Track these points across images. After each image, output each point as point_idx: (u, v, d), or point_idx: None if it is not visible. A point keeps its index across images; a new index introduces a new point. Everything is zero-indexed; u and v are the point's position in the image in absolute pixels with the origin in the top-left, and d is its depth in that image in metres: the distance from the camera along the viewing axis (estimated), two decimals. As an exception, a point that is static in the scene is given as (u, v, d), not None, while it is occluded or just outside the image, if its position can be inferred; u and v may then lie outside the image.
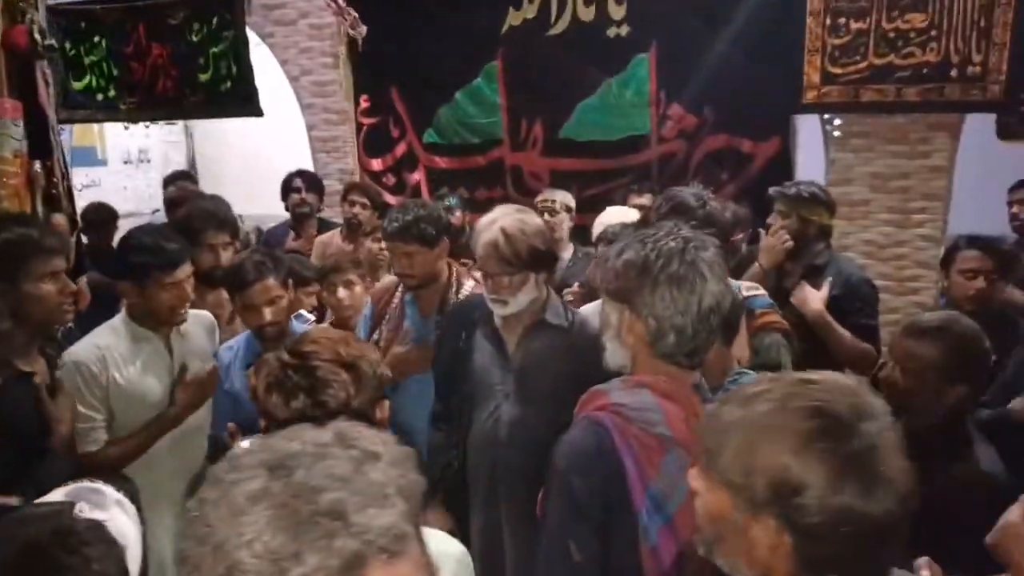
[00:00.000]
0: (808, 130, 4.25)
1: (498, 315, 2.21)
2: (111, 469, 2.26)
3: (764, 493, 0.93)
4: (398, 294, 2.84)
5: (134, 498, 1.22)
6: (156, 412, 2.33)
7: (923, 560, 1.39)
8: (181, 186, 5.13)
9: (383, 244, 3.44)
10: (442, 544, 1.36)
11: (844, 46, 3.84)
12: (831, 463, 0.90)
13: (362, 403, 1.30)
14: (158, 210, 6.29)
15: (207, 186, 6.58)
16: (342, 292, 3.02)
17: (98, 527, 1.11)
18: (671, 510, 1.34)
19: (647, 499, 1.33)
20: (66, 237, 2.88)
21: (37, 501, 1.18)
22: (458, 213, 4.00)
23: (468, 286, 2.63)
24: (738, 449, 0.95)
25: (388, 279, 2.99)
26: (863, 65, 3.80)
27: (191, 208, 3.08)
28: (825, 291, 2.87)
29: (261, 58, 5.15)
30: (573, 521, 1.34)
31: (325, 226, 4.58)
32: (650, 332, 1.40)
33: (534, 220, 2.21)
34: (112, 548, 1.10)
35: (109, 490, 1.20)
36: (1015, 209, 3.96)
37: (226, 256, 2.88)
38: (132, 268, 2.32)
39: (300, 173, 4.59)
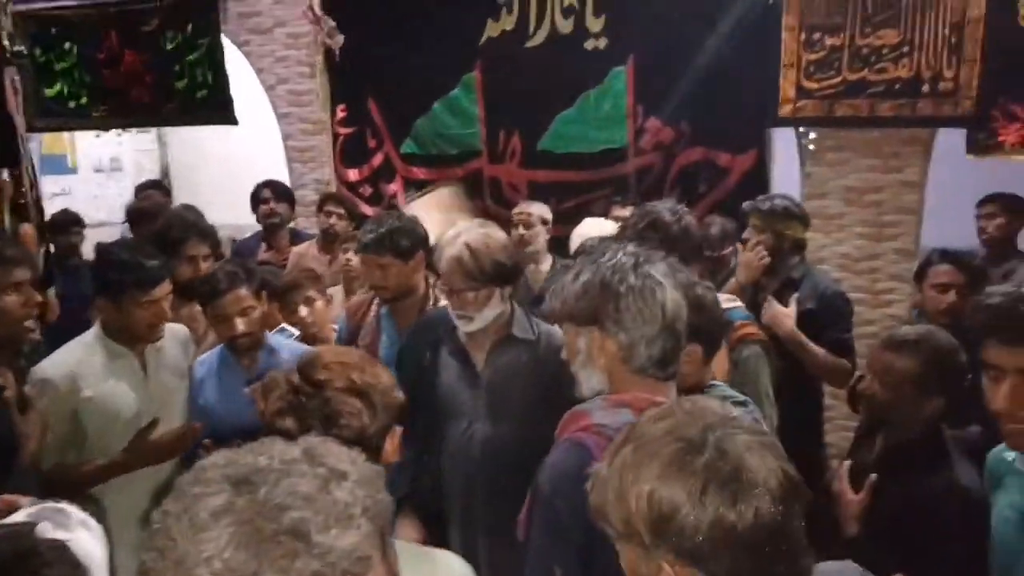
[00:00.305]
0: (784, 144, 4.29)
1: (464, 331, 2.18)
2: (70, 489, 2.21)
3: (648, 533, 0.92)
4: (374, 308, 2.81)
5: (100, 519, 1.19)
6: (129, 428, 2.28)
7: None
8: (147, 195, 5.05)
9: (351, 256, 3.43)
10: (453, 563, 1.34)
11: (819, 61, 3.88)
12: (689, 479, 0.91)
13: (377, 431, 1.30)
14: (130, 219, 6.18)
15: (181, 195, 6.51)
16: (303, 310, 2.99)
17: (61, 548, 1.08)
18: None
19: None
20: (31, 247, 2.80)
21: None
22: None
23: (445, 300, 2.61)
24: (613, 499, 0.96)
25: (364, 293, 2.96)
26: (837, 80, 3.85)
27: (170, 218, 3.04)
28: (793, 307, 2.88)
29: (237, 66, 5.10)
30: (557, 545, 1.32)
31: (297, 237, 4.53)
32: (622, 348, 1.42)
33: (498, 234, 2.20)
34: (76, 570, 1.07)
35: (74, 510, 1.17)
36: (983, 223, 4.03)
37: (205, 267, 2.83)
38: (108, 285, 2.28)
39: (268, 183, 4.53)
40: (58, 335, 2.53)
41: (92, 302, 3.19)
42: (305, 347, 2.73)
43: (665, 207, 2.64)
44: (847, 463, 2.03)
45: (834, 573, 1.08)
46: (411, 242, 2.57)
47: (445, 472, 2.24)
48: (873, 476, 1.89)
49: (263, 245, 4.50)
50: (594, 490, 1.00)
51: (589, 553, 1.30)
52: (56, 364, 2.27)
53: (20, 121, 3.08)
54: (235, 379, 2.47)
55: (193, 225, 2.94)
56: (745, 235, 3.04)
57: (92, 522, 1.17)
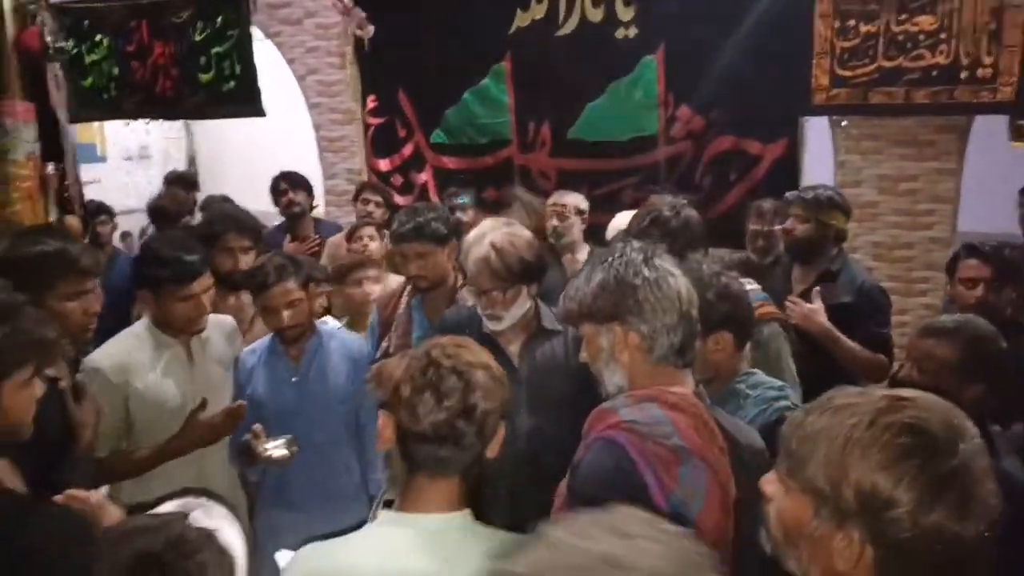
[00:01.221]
0: (816, 132, 4.26)
1: (493, 330, 2.20)
2: (117, 478, 2.28)
3: (852, 504, 0.93)
4: (404, 299, 2.83)
5: (239, 519, 1.23)
6: (174, 419, 2.32)
7: None
8: (168, 192, 5.03)
9: (367, 243, 3.49)
10: None
11: (853, 48, 3.85)
12: (923, 481, 0.91)
13: (497, 416, 1.33)
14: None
15: (208, 184, 6.57)
16: (370, 286, 3.07)
17: (210, 536, 1.12)
18: (692, 515, 1.36)
19: (668, 509, 1.34)
20: (76, 239, 2.84)
21: (149, 512, 1.20)
22: (470, 212, 4.00)
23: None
24: (827, 459, 0.95)
25: (392, 284, 2.98)
26: (872, 67, 3.81)
27: (212, 212, 3.08)
28: (819, 303, 2.86)
29: (267, 55, 5.12)
30: None
31: (321, 226, 4.54)
32: (645, 338, 1.45)
33: (522, 232, 2.22)
34: (224, 557, 1.11)
35: (216, 505, 1.21)
36: (1024, 211, 3.99)
37: (246, 260, 2.87)
38: (148, 279, 2.33)
39: (284, 175, 4.49)
40: (102, 328, 2.56)
41: (127, 292, 3.26)
42: (355, 336, 2.76)
43: (665, 203, 2.67)
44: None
45: None
46: (447, 229, 2.60)
47: (487, 467, 2.26)
48: None
49: (287, 236, 4.51)
50: (795, 438, 1.00)
51: None
52: (107, 355, 2.32)
53: (63, 115, 3.12)
54: (282, 368, 2.52)
55: (233, 218, 2.98)
56: (787, 224, 3.02)
57: (232, 517, 1.21)
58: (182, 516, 1.13)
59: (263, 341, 2.58)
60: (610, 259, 1.52)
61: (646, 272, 1.47)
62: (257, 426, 2.33)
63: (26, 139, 2.95)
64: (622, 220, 3.36)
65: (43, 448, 1.97)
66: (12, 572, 1.34)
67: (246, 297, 2.93)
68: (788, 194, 3.08)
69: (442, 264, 2.61)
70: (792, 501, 1.01)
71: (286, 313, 2.42)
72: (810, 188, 3.08)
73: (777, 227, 3.33)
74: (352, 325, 3.06)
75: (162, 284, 2.29)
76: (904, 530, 0.90)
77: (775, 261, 3.34)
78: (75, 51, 5.11)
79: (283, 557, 1.62)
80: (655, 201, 3.77)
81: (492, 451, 1.38)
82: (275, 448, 2.32)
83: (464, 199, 4.10)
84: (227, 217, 2.99)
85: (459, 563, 1.27)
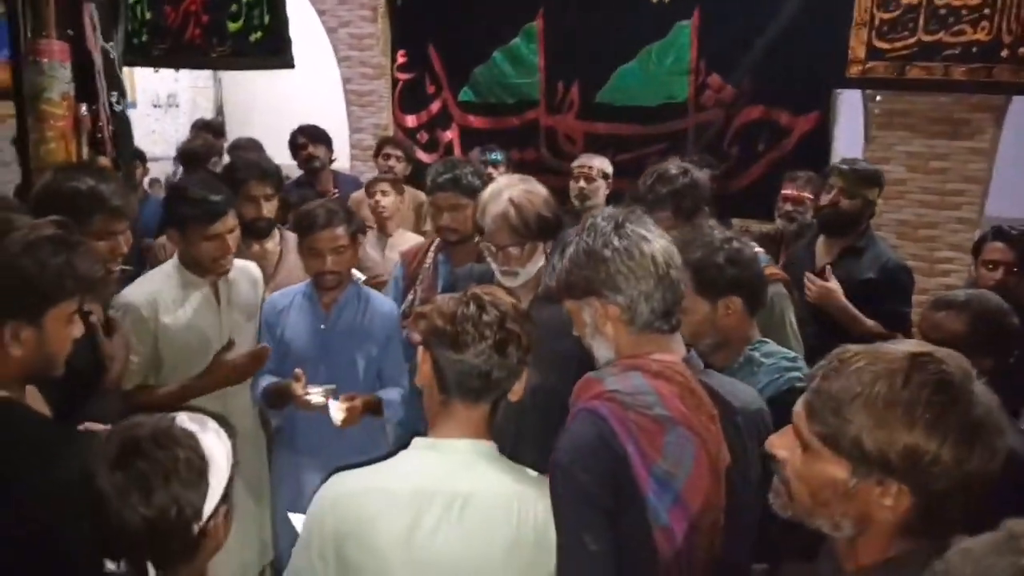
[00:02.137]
0: (847, 107, 4.20)
1: (508, 286, 2.21)
2: (142, 412, 2.33)
3: (897, 463, 0.97)
4: (430, 255, 2.85)
5: (231, 436, 1.29)
6: (201, 358, 2.38)
7: None
8: (198, 135, 5.04)
9: (379, 198, 3.61)
10: None
11: (893, 21, 3.78)
12: (961, 436, 0.96)
13: (525, 348, 1.41)
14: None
15: (234, 134, 6.59)
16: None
17: (192, 437, 1.21)
18: (678, 487, 1.36)
19: (652, 480, 1.35)
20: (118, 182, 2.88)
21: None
22: (501, 168, 4.01)
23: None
24: (867, 423, 0.98)
25: (414, 240, 2.99)
26: (911, 41, 3.75)
27: (235, 158, 3.09)
28: (834, 281, 2.86)
29: (298, 5, 5.10)
30: (583, 514, 1.34)
31: (340, 180, 4.55)
32: (624, 310, 1.42)
33: (539, 189, 2.20)
34: (201, 460, 1.19)
35: (212, 422, 1.28)
36: (1053, 196, 3.93)
37: (268, 208, 2.89)
38: (174, 217, 2.38)
39: (302, 129, 4.49)
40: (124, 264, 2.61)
41: (156, 235, 3.30)
42: (387, 299, 2.76)
43: (674, 163, 2.66)
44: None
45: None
46: (480, 182, 2.61)
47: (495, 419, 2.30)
48: None
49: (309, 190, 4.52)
50: (823, 405, 1.02)
51: (615, 516, 1.34)
52: (137, 291, 2.38)
53: (98, 58, 3.14)
54: (313, 314, 2.55)
55: (255, 165, 2.97)
56: (832, 196, 2.97)
57: (224, 434, 1.27)
58: (171, 418, 1.23)
59: (298, 286, 2.61)
60: (582, 232, 1.47)
61: (615, 241, 1.42)
62: (298, 370, 2.37)
63: (61, 78, 2.97)
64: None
65: (72, 378, 2.03)
66: (44, 499, 1.39)
67: (270, 244, 2.97)
68: (833, 165, 3.05)
69: (472, 218, 2.63)
70: (822, 463, 1.03)
71: (331, 258, 2.45)
72: (849, 160, 3.06)
73: (807, 195, 3.31)
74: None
75: (188, 223, 2.33)
76: (945, 480, 0.96)
77: (799, 232, 3.33)
78: (108, -7, 5.11)
79: (296, 519, 1.67)
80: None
81: (516, 394, 1.44)
82: (316, 395, 2.35)
83: (498, 156, 4.10)
84: (249, 164, 2.99)
85: (488, 486, 1.37)
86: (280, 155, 4.91)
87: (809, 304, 2.84)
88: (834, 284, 2.84)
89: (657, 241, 1.44)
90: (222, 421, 1.30)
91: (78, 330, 1.61)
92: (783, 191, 3.41)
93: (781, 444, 1.10)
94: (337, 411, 2.35)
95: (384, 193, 3.65)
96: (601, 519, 1.34)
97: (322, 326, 2.54)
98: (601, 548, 1.33)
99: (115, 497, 1.14)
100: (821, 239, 3.11)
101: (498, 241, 2.14)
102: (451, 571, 1.34)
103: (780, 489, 1.11)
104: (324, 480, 1.43)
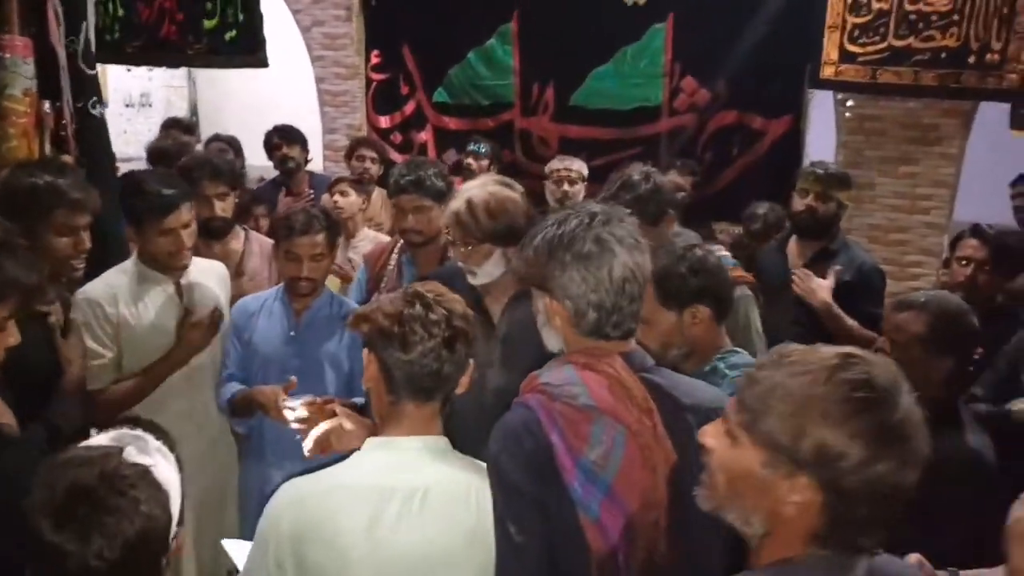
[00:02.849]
0: (819, 112, 4.24)
1: (471, 283, 2.20)
2: (118, 408, 2.28)
3: (807, 456, 0.97)
4: (394, 256, 2.82)
5: (172, 449, 1.24)
6: (162, 354, 2.34)
7: (915, 556, 1.43)
8: (168, 134, 4.95)
9: (338, 199, 3.58)
10: None
11: (864, 25, 3.81)
12: (873, 436, 0.96)
13: (471, 344, 1.40)
14: (160, 156, 6.19)
15: (208, 134, 6.51)
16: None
17: (145, 472, 1.12)
18: (608, 479, 1.34)
19: (578, 471, 1.33)
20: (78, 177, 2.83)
21: (83, 444, 1.19)
22: (484, 161, 3.99)
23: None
24: (786, 414, 0.99)
25: (380, 241, 2.96)
26: (883, 46, 3.78)
27: (189, 157, 3.04)
28: (831, 279, 2.87)
29: (272, 4, 5.05)
30: (508, 502, 1.34)
31: (316, 180, 4.49)
32: (570, 313, 1.41)
33: (509, 193, 2.15)
34: (159, 492, 1.12)
35: (151, 438, 1.21)
36: (1017, 202, 3.98)
37: (221, 206, 2.84)
38: (130, 211, 2.34)
39: (277, 129, 4.45)
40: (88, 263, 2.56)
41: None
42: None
43: (637, 168, 2.67)
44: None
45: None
46: (444, 184, 2.59)
47: (454, 419, 2.28)
48: None
49: (283, 190, 4.46)
50: (750, 393, 1.03)
51: (542, 508, 1.32)
52: (97, 286, 2.34)
53: (61, 53, 3.07)
54: (283, 321, 2.50)
55: (207, 163, 2.90)
56: (808, 200, 2.97)
57: (167, 450, 1.22)
58: (118, 451, 1.13)
59: (271, 290, 2.57)
60: (556, 223, 1.44)
61: (578, 246, 1.39)
62: (293, 378, 2.28)
63: (24, 74, 2.90)
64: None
65: (32, 382, 1.99)
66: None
67: (234, 244, 2.93)
68: (805, 167, 3.07)
69: (437, 220, 2.60)
70: (741, 451, 1.04)
71: (307, 265, 2.41)
72: (819, 163, 3.09)
73: (773, 241, 3.33)
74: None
75: (143, 216, 2.29)
76: (853, 479, 0.96)
77: (765, 234, 3.35)
78: (78, -11, 5.03)
79: (233, 546, 1.65)
80: (674, 176, 3.80)
81: (462, 386, 1.44)
82: (298, 410, 2.11)
83: (481, 147, 4.08)
84: (201, 163, 2.91)
85: (445, 478, 1.37)
86: (256, 156, 4.89)
87: (795, 306, 2.84)
88: (829, 283, 2.86)
89: (622, 254, 1.40)
90: (159, 432, 1.25)
91: (13, 338, 1.56)
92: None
93: (711, 433, 1.10)
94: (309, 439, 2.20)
95: (343, 194, 3.61)
96: (528, 510, 1.33)
97: (292, 333, 2.50)
98: (526, 540, 1.32)
99: (76, 549, 1.04)
100: (793, 241, 3.12)
101: (452, 236, 2.17)
102: (413, 564, 1.33)
103: (704, 480, 1.11)
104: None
